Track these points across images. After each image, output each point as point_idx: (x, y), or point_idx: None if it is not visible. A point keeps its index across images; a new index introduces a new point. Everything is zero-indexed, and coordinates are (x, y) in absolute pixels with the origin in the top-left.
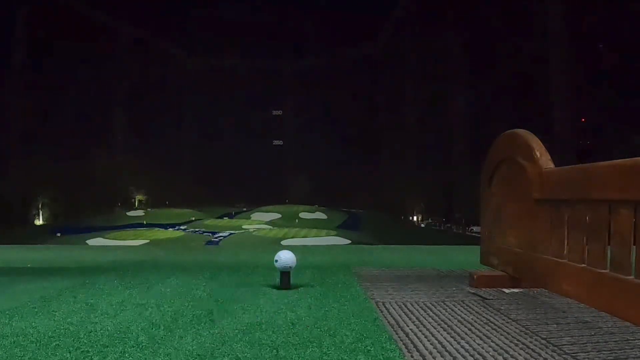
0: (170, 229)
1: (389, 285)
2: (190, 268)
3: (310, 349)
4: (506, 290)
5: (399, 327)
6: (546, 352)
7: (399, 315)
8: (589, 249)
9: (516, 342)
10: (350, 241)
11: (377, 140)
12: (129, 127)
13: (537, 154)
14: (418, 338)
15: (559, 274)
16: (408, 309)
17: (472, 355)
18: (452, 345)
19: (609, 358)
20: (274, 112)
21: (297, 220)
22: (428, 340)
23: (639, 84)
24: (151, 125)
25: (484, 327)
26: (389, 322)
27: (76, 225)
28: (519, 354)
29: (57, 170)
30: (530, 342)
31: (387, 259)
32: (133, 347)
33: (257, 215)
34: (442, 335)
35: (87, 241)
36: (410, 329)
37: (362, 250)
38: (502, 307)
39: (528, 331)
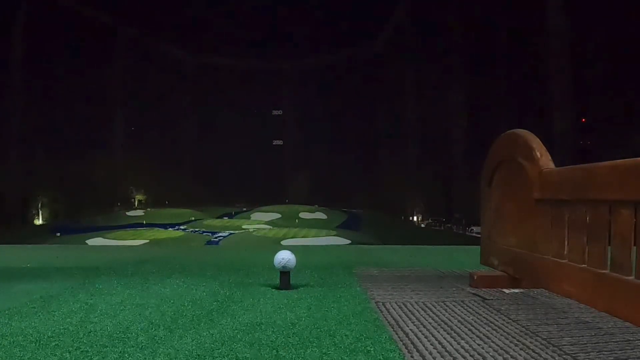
0: (170, 229)
1: (389, 285)
2: (190, 268)
3: (310, 349)
4: (506, 291)
5: (399, 327)
6: (546, 353)
7: (399, 315)
8: (589, 250)
9: (516, 342)
10: (350, 241)
11: (377, 140)
12: (128, 127)
13: (537, 154)
14: (418, 338)
15: (559, 275)
16: (408, 309)
17: (472, 356)
18: (452, 345)
19: (609, 358)
20: (274, 112)
21: (297, 220)
22: (428, 340)
23: (638, 84)
24: (151, 125)
25: (484, 328)
26: (389, 322)
27: (76, 225)
28: (519, 355)
29: (57, 170)
30: (531, 342)
31: (387, 259)
32: (133, 347)
33: (257, 215)
34: (442, 335)
35: (87, 241)
36: (410, 329)
37: (362, 250)
38: (502, 308)
39: (528, 331)
